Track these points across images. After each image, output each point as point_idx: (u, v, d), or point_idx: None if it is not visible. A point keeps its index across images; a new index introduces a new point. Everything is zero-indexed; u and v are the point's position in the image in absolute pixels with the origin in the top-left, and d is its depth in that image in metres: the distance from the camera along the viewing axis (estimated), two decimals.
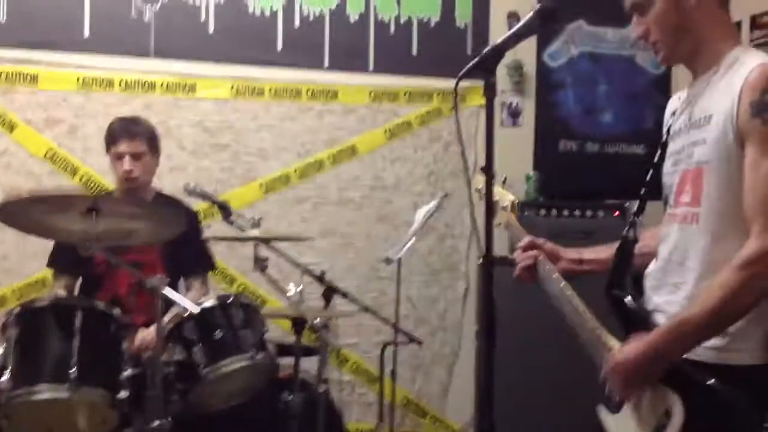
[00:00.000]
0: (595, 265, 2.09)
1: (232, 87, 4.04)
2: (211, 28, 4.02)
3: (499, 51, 1.70)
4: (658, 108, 4.44)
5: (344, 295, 3.30)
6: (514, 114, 4.45)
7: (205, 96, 4.01)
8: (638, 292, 1.93)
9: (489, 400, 1.68)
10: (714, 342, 1.69)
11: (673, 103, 2.00)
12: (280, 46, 4.11)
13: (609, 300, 1.93)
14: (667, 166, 1.90)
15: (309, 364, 3.25)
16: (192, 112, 3.99)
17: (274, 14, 4.10)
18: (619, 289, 1.93)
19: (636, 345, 1.75)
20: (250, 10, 4.07)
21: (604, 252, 2.07)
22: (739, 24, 4.09)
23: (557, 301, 2.01)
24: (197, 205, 3.48)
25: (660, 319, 1.81)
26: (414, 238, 3.66)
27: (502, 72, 4.36)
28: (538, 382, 3.78)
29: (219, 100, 4.03)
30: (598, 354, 1.87)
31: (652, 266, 1.91)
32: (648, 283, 1.91)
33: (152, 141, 3.26)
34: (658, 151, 1.96)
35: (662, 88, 4.57)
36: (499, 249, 3.99)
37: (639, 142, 4.55)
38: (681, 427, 1.67)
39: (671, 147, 1.89)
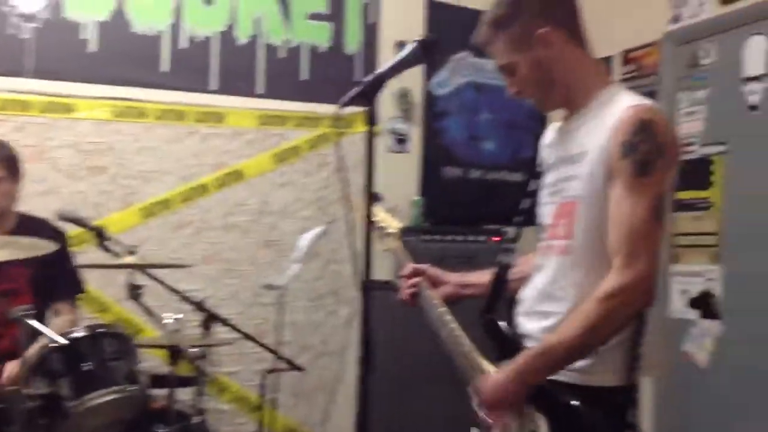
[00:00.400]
0: (479, 289, 2.14)
1: (113, 108, 3.94)
2: (92, 47, 3.92)
3: (381, 80, 1.75)
4: (536, 137, 4.60)
5: (224, 322, 3.26)
6: (401, 140, 4.52)
7: (83, 117, 3.89)
8: (512, 316, 1.99)
9: (365, 426, 1.70)
10: (578, 364, 1.77)
11: (548, 134, 2.06)
12: (165, 67, 4.04)
13: (483, 324, 1.99)
14: (543, 196, 1.97)
15: (187, 395, 3.20)
16: (69, 133, 3.86)
17: (159, 34, 4.03)
18: (493, 313, 1.99)
19: (503, 369, 1.81)
20: (134, 29, 3.99)
21: (486, 276, 2.12)
22: (610, 59, 4.29)
23: (436, 325, 2.07)
24: (71, 230, 3.36)
25: (530, 344, 1.87)
26: (298, 265, 3.66)
27: (389, 99, 4.43)
28: (422, 406, 3.83)
29: (99, 122, 3.91)
30: (472, 377, 1.92)
31: (525, 292, 1.97)
32: (520, 308, 1.97)
33: (11, 165, 3.13)
34: (533, 181, 2.04)
35: (539, 118, 4.71)
36: (382, 273, 4.08)
37: (518, 169, 4.70)
38: None
39: (547, 178, 1.96)
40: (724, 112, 3.61)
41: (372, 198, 1.74)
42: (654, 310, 3.86)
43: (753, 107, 3.48)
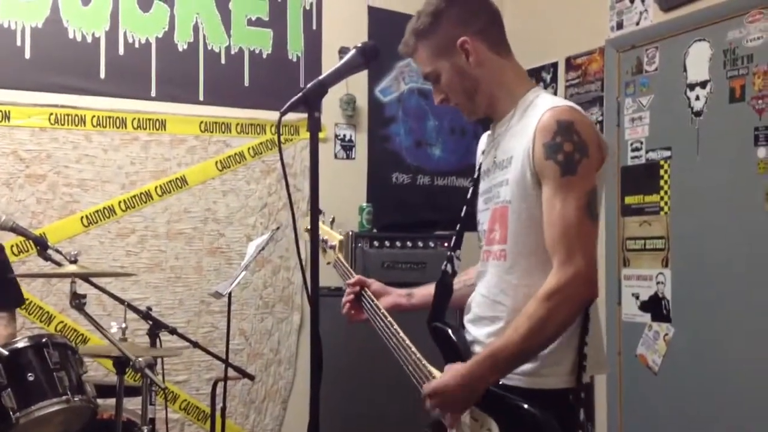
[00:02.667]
0: (424, 299, 2.15)
1: (50, 115, 3.83)
2: (27, 54, 3.81)
3: (323, 87, 1.72)
4: None
5: (172, 331, 3.20)
6: (348, 147, 4.51)
7: (20, 124, 3.78)
8: (461, 324, 2.02)
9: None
10: (528, 368, 1.78)
11: (482, 142, 2.10)
12: (103, 73, 3.95)
13: (431, 332, 2.01)
14: (480, 204, 2.00)
15: (135, 404, 3.12)
16: (6, 141, 3.75)
17: (96, 40, 3.94)
18: (440, 321, 2.01)
19: (453, 372, 1.81)
20: (71, 35, 3.89)
21: (432, 288, 2.13)
22: (555, 65, 4.36)
23: (383, 334, 2.08)
24: (10, 239, 3.26)
25: (478, 349, 1.88)
26: (244, 272, 3.61)
27: (335, 105, 4.42)
28: (375, 411, 3.80)
29: (35, 129, 3.81)
30: (422, 383, 1.91)
31: (471, 300, 2.00)
32: (466, 316, 1.99)
33: None
34: (471, 188, 2.07)
35: (487, 124, 4.77)
36: (331, 280, 4.06)
37: (466, 175, 4.73)
38: None
39: (482, 186, 2.00)
40: (669, 117, 3.69)
41: (315, 205, 1.71)
42: (606, 312, 3.94)
43: (697, 113, 3.56)
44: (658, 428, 3.61)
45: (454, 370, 1.81)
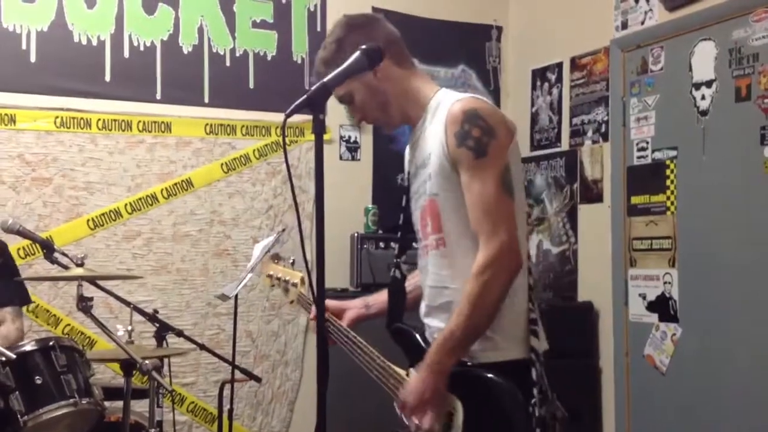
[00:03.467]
0: (381, 305, 2.23)
1: (56, 118, 3.84)
2: (33, 57, 3.82)
3: (328, 88, 1.73)
4: None
5: (179, 333, 3.21)
6: (353, 148, 4.51)
7: (26, 128, 3.79)
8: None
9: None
10: (481, 345, 1.90)
11: (406, 152, 2.18)
12: (108, 76, 3.96)
13: (391, 334, 2.12)
14: (412, 207, 2.10)
15: (142, 407, 3.13)
16: (12, 144, 3.76)
17: (101, 43, 3.95)
18: (398, 323, 2.13)
19: (417, 377, 1.93)
20: (76, 39, 3.91)
21: (385, 296, 2.23)
22: (560, 65, 4.36)
23: (350, 350, 2.16)
24: (17, 242, 3.27)
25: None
26: (251, 274, 3.61)
27: (340, 107, 4.38)
28: (383, 412, 3.80)
29: (41, 132, 3.82)
30: (390, 386, 2.03)
31: (422, 297, 2.10)
32: (421, 311, 2.09)
33: None
34: (404, 197, 2.15)
35: None
36: (336, 281, 4.07)
37: None
38: (463, 423, 1.86)
39: (411, 189, 2.10)
40: (675, 117, 3.68)
41: (320, 206, 1.72)
42: (613, 313, 3.92)
43: (703, 112, 3.55)
44: (665, 429, 3.60)
45: (413, 381, 1.93)
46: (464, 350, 1.89)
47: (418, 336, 2.06)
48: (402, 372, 2.02)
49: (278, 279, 2.46)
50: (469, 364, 1.91)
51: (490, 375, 1.86)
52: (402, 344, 2.09)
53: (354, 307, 2.27)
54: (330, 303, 2.23)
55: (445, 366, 1.87)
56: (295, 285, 2.38)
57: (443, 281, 1.98)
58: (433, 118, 1.98)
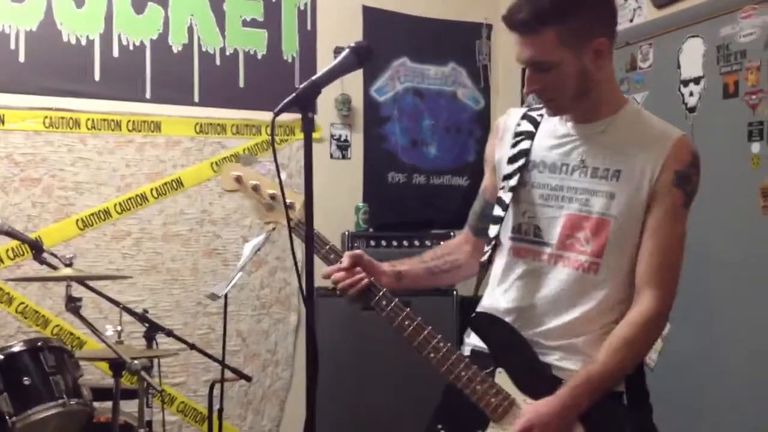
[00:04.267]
0: (411, 281, 2.01)
1: (45, 118, 3.83)
2: (21, 57, 3.81)
3: (316, 87, 1.69)
4: (479, 141, 4.71)
5: (168, 333, 3.20)
6: (343, 147, 4.51)
7: (15, 128, 3.77)
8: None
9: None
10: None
11: (515, 118, 1.95)
12: (97, 76, 3.95)
13: (472, 322, 1.91)
14: (532, 196, 1.87)
15: (132, 407, 3.12)
16: (0, 145, 3.75)
17: (90, 43, 3.94)
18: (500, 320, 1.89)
19: (548, 410, 1.73)
20: (65, 38, 3.89)
21: (415, 265, 2.02)
22: None
23: (408, 336, 1.86)
24: (6, 243, 3.26)
25: (559, 372, 1.80)
26: (240, 273, 3.61)
27: (330, 105, 4.42)
28: (373, 410, 3.81)
29: (30, 132, 3.80)
30: (472, 388, 1.81)
31: (509, 299, 1.88)
32: (510, 316, 1.87)
33: None
34: (514, 172, 1.88)
35: (483, 122, 4.79)
36: (326, 280, 4.06)
37: (462, 174, 4.73)
38: None
39: (538, 178, 1.87)
40: (663, 114, 3.64)
41: (309, 206, 1.61)
42: None
43: (691, 109, 3.56)
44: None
45: (543, 411, 1.73)
46: (600, 396, 1.73)
47: (519, 342, 1.83)
48: (519, 396, 1.80)
49: (255, 187, 2.00)
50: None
51: (613, 401, 1.76)
52: (491, 337, 1.86)
53: (384, 274, 1.95)
54: (365, 257, 1.92)
55: (580, 408, 1.73)
56: (291, 207, 1.94)
57: (573, 305, 1.80)
58: (630, 132, 1.81)
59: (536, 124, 1.92)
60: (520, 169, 1.89)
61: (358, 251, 1.95)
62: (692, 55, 3.55)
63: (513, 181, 1.88)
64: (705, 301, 3.45)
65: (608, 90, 1.83)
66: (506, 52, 4.78)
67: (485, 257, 1.94)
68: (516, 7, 1.74)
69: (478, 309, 1.96)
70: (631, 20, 3.85)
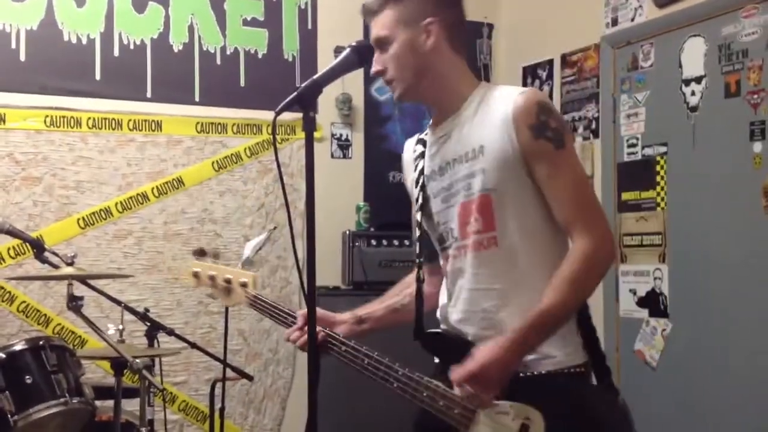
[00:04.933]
0: (374, 323, 2.10)
1: (46, 117, 3.83)
2: (22, 56, 3.81)
3: (317, 86, 1.70)
4: None
5: (170, 332, 3.20)
6: (344, 146, 4.51)
7: (16, 127, 3.78)
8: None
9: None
10: (548, 353, 1.80)
11: (414, 147, 2.04)
12: (98, 75, 3.95)
13: (422, 342, 1.92)
14: (435, 205, 1.94)
15: (134, 406, 3.12)
16: (1, 144, 3.75)
17: (91, 42, 3.94)
18: (428, 329, 1.95)
19: (491, 350, 1.74)
20: (66, 37, 3.89)
21: (375, 306, 2.10)
22: (551, 62, 4.36)
23: (355, 362, 1.95)
24: (7, 242, 3.26)
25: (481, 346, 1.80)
26: None
27: (331, 105, 4.41)
28: (374, 410, 3.80)
29: (31, 131, 3.81)
30: (423, 398, 1.84)
31: (447, 303, 1.94)
32: (453, 318, 1.91)
33: None
34: (417, 195, 1.98)
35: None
36: (327, 279, 4.07)
37: None
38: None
39: (433, 186, 1.95)
40: (665, 113, 3.68)
41: (311, 203, 1.64)
42: (604, 308, 3.93)
43: (693, 108, 3.56)
44: (656, 424, 3.61)
45: (491, 347, 1.74)
46: (549, 335, 1.76)
47: (458, 336, 1.88)
48: (436, 382, 1.84)
49: (211, 278, 2.15)
50: (530, 373, 1.79)
51: (580, 386, 1.81)
52: (440, 350, 1.91)
53: (344, 322, 2.07)
54: (319, 312, 1.96)
55: (529, 345, 1.75)
56: (244, 285, 2.09)
57: (490, 284, 1.84)
58: (480, 110, 1.86)
59: (424, 143, 2.01)
60: (422, 187, 1.98)
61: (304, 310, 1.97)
62: (694, 55, 3.55)
63: (420, 200, 1.98)
64: (707, 301, 3.45)
65: (453, 79, 1.91)
66: (507, 52, 4.78)
67: (414, 278, 2.02)
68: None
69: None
70: (633, 19, 3.85)
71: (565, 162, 1.80)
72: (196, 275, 2.17)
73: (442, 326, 1.96)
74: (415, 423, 1.97)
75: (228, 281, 2.11)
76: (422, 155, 2.00)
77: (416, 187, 1.99)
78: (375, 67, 1.91)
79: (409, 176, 2.05)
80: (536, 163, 1.79)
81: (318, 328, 1.90)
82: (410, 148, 2.06)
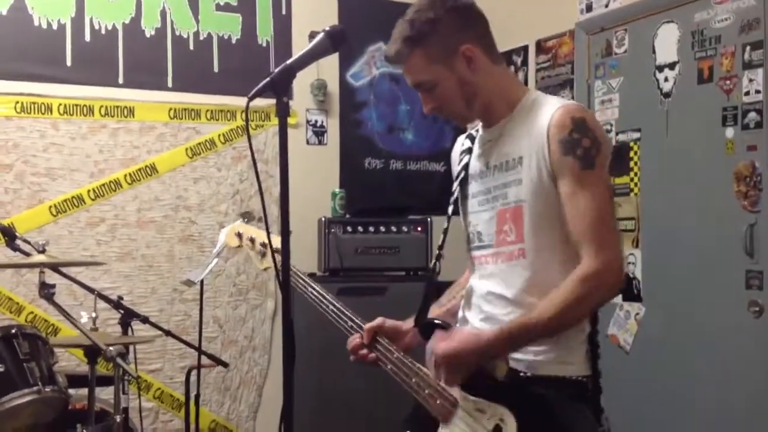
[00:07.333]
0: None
1: (16, 103, 3.78)
2: None
3: (291, 71, 1.67)
4: (456, 128, 4.70)
5: (144, 320, 3.19)
6: (319, 132, 4.49)
7: None
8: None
9: (290, 420, 1.66)
10: (544, 356, 1.82)
11: (463, 143, 2.08)
12: (69, 61, 3.90)
13: (421, 330, 1.95)
14: (473, 205, 1.99)
15: (108, 394, 3.10)
16: None
17: (62, 27, 3.89)
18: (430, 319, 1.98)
19: (468, 337, 1.80)
20: (36, 22, 3.84)
21: (435, 313, 2.07)
22: (525, 48, 4.37)
23: (398, 373, 1.97)
24: None
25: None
26: (216, 260, 3.58)
27: (306, 91, 4.39)
28: (350, 396, 3.81)
29: (1, 118, 3.75)
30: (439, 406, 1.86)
31: (472, 301, 1.98)
32: (474, 317, 1.95)
33: None
34: (457, 188, 2.03)
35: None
36: (302, 265, 4.05)
37: (439, 160, 4.73)
38: None
39: (474, 187, 1.99)
40: (639, 99, 3.70)
41: (285, 192, 1.64)
42: None
43: (666, 94, 3.58)
44: (630, 407, 3.65)
45: (469, 335, 1.80)
46: (527, 344, 1.78)
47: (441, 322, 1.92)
48: (425, 370, 1.88)
49: (251, 240, 2.29)
50: (529, 374, 1.81)
51: (557, 393, 1.79)
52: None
53: (410, 332, 2.03)
54: (386, 324, 2.02)
55: (496, 353, 1.77)
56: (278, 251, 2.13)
57: (505, 293, 1.87)
58: (524, 120, 1.87)
59: (473, 139, 2.04)
60: (461, 183, 2.02)
61: (377, 322, 2.03)
62: (667, 41, 3.57)
63: (459, 195, 2.03)
64: (679, 285, 3.49)
65: (500, 89, 1.92)
66: None
67: (466, 278, 2.08)
68: (388, 46, 1.93)
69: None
70: (607, 5, 3.86)
71: (590, 183, 1.77)
72: (239, 235, 2.34)
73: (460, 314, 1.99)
74: (405, 419, 1.99)
75: (264, 246, 2.26)
76: (469, 150, 2.04)
77: (456, 180, 2.03)
78: (427, 107, 1.93)
79: (455, 169, 2.09)
80: (561, 179, 1.79)
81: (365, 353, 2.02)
82: (459, 143, 2.10)
